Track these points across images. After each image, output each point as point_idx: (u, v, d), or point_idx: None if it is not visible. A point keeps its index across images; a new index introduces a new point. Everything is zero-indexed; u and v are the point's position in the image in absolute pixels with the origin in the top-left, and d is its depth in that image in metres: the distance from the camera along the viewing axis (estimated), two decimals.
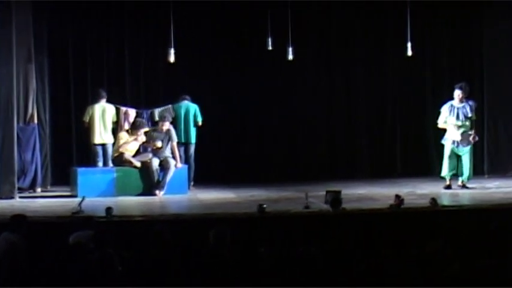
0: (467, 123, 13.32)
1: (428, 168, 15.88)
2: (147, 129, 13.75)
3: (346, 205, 10.94)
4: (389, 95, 16.26)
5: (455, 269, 6.13)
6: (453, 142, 13.33)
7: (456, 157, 13.37)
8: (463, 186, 13.41)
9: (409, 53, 14.07)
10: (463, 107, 13.33)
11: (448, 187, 13.35)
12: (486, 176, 15.08)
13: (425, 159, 16.06)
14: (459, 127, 13.28)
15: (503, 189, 13.37)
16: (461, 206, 11.42)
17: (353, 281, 6.29)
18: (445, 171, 13.41)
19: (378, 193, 13.07)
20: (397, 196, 11.09)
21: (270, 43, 13.94)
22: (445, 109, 13.42)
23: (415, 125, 16.17)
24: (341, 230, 9.06)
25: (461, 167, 13.39)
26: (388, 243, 7.33)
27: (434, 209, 10.90)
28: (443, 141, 13.48)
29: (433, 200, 11.02)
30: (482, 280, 5.94)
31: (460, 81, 13.76)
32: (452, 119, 13.33)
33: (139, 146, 13.75)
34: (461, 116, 13.31)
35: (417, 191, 13.18)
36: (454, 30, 16.21)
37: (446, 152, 13.38)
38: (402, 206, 10.89)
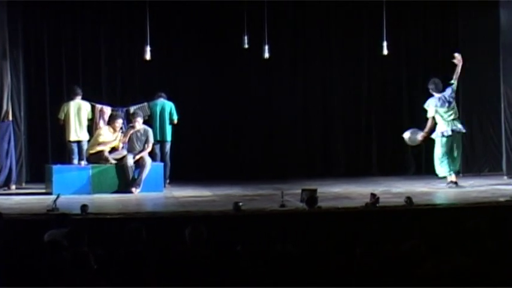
0: (445, 112, 13.39)
1: (404, 167, 15.98)
2: (121, 121, 13.71)
3: (321, 203, 10.95)
4: (365, 93, 16.32)
5: (429, 268, 6.15)
6: (442, 135, 13.39)
7: (451, 152, 13.43)
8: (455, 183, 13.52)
9: (385, 51, 14.13)
10: (443, 95, 13.41)
11: (455, 183, 13.38)
12: (461, 175, 15.12)
13: (400, 158, 16.15)
14: (450, 114, 13.37)
15: (478, 188, 13.45)
16: (436, 204, 11.47)
17: (328, 279, 6.31)
18: (446, 169, 13.40)
19: (354, 191, 13.10)
20: (373, 195, 11.11)
21: (246, 41, 13.93)
22: (432, 102, 13.45)
23: (390, 124, 16.25)
24: (317, 228, 9.08)
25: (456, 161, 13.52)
26: (363, 241, 7.34)
27: (409, 207, 10.94)
28: (433, 136, 13.53)
29: (408, 199, 11.06)
30: (457, 279, 5.97)
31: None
32: (442, 109, 13.41)
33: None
34: (447, 102, 13.41)
35: (392, 190, 13.23)
36: (429, 30, 16.31)
37: (442, 149, 13.41)
38: (378, 205, 10.92)
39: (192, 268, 6.69)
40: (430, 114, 13.49)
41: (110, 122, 13.72)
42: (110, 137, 13.51)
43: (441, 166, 13.46)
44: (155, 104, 14.30)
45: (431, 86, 13.63)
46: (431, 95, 13.57)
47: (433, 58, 16.21)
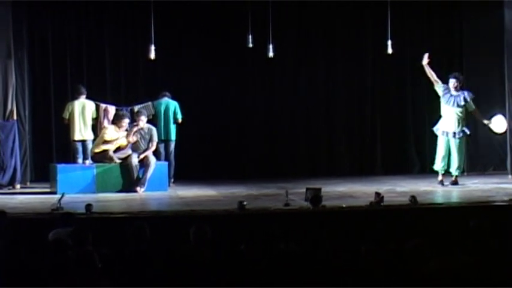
0: (461, 112, 13.38)
1: (408, 166, 15.98)
2: (128, 120, 13.69)
3: (326, 202, 10.95)
4: (369, 92, 16.31)
5: (433, 266, 6.16)
6: (443, 133, 13.40)
7: (449, 151, 13.43)
8: (455, 183, 13.50)
9: (389, 51, 14.11)
10: (458, 95, 13.41)
11: (441, 182, 13.43)
12: (465, 173, 15.13)
13: (405, 157, 16.14)
14: (454, 114, 13.37)
15: (482, 187, 13.44)
16: (440, 203, 11.46)
17: (332, 278, 6.32)
18: (438, 165, 13.48)
19: (358, 190, 13.10)
20: (377, 194, 11.11)
21: (250, 40, 13.93)
22: (441, 87, 13.49)
23: (394, 123, 16.24)
24: (321, 227, 9.08)
25: (452, 161, 13.47)
26: (367, 240, 7.35)
27: (413, 206, 10.94)
28: (434, 129, 13.54)
29: (413, 198, 11.05)
30: (460, 277, 5.97)
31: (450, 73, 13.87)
32: (446, 107, 13.42)
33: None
34: (455, 104, 13.41)
35: (397, 189, 13.21)
36: (433, 29, 16.29)
37: (441, 145, 13.44)
38: (382, 204, 10.92)
39: (196, 267, 6.70)
40: (473, 106, 13.55)
41: (116, 121, 13.70)
42: (115, 136, 13.51)
43: (436, 160, 13.55)
44: (159, 103, 14.31)
45: (460, 78, 13.61)
46: (438, 94, 13.57)
47: (437, 58, 16.14)
